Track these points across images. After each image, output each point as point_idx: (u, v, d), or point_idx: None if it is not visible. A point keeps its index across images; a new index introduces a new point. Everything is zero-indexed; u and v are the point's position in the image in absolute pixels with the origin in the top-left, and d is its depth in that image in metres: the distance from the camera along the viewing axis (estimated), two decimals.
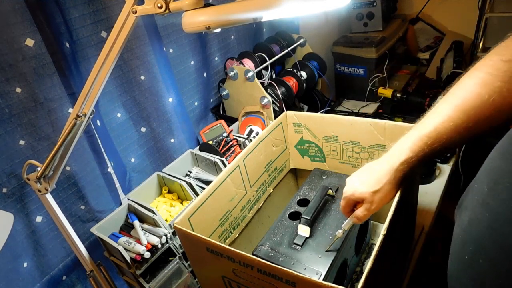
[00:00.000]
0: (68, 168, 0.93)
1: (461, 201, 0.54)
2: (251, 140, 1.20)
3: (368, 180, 0.64)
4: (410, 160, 0.58)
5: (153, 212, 0.93)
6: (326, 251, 0.74)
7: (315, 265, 0.72)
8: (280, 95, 1.33)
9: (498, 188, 0.44)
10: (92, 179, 0.99)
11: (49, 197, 0.81)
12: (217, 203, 0.83)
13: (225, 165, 1.07)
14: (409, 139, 0.58)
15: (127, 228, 0.96)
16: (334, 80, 1.93)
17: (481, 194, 0.47)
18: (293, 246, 0.77)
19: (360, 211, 0.66)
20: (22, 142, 0.83)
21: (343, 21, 1.97)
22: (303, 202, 0.90)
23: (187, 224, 0.75)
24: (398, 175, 0.61)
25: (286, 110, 1.04)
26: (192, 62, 1.29)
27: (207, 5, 0.57)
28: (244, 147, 1.02)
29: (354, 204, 0.69)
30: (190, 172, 1.14)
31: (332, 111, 1.74)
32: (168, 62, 1.14)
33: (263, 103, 1.28)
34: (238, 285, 0.70)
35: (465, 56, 1.93)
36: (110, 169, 1.03)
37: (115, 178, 1.07)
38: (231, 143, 1.19)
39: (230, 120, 1.35)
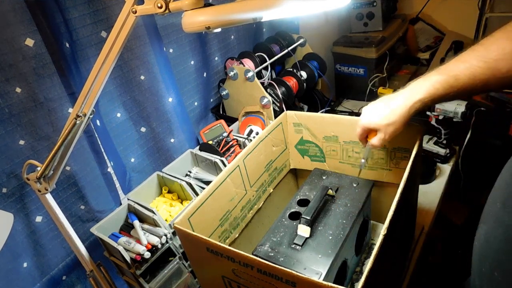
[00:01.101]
0: (68, 168, 0.93)
1: (481, 216, 0.56)
2: (251, 140, 1.20)
3: (384, 112, 0.68)
4: (424, 100, 0.63)
5: (153, 212, 0.93)
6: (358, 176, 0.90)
7: (315, 265, 0.72)
8: (280, 95, 1.33)
9: (510, 204, 0.46)
10: (92, 179, 0.99)
11: (49, 197, 0.81)
12: (217, 203, 0.83)
13: (225, 165, 1.07)
14: (429, 80, 0.62)
15: (127, 228, 0.96)
16: (334, 80, 1.93)
17: (495, 210, 0.49)
18: (293, 246, 0.77)
19: (375, 140, 0.72)
20: (22, 142, 0.83)
21: (343, 21, 1.97)
22: (303, 202, 0.90)
23: (187, 224, 0.75)
24: (411, 111, 0.65)
25: (286, 110, 1.04)
26: (192, 62, 1.29)
27: (207, 5, 0.57)
28: (244, 147, 1.02)
29: (368, 131, 0.75)
30: (190, 172, 1.14)
31: (332, 111, 1.74)
32: (168, 62, 1.14)
33: (263, 103, 1.28)
34: (238, 285, 0.70)
35: None
36: (110, 169, 1.03)
37: (115, 178, 1.07)
38: (231, 143, 1.19)
39: (230, 120, 1.35)
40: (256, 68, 1.35)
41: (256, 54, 1.40)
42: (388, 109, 0.67)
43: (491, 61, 0.53)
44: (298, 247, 0.77)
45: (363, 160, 0.85)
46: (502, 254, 0.46)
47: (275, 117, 1.24)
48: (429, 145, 1.35)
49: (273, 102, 1.31)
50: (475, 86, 0.56)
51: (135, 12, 0.60)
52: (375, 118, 0.70)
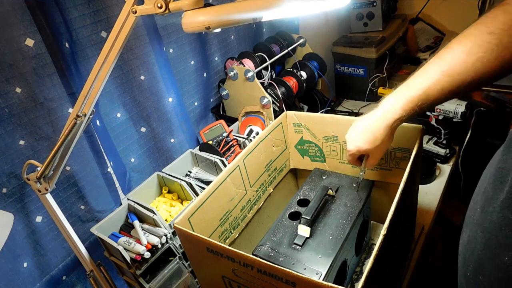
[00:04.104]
0: (68, 168, 0.93)
1: (464, 220, 0.57)
2: (251, 140, 1.20)
3: (368, 138, 0.72)
4: (402, 118, 0.67)
5: (153, 212, 0.93)
6: (357, 191, 0.89)
7: (315, 265, 0.72)
8: (280, 95, 1.33)
9: (489, 210, 0.47)
10: (92, 179, 0.99)
11: (49, 197, 0.81)
12: (217, 203, 0.83)
13: (225, 165, 1.07)
14: (400, 98, 0.66)
15: (127, 228, 0.96)
16: (334, 80, 1.93)
17: (476, 215, 0.51)
18: (293, 246, 0.77)
19: (371, 161, 0.79)
20: (22, 142, 0.83)
21: (343, 21, 1.97)
22: (303, 202, 0.90)
23: (187, 224, 0.75)
24: (392, 130, 0.71)
25: (286, 110, 1.04)
26: (192, 62, 1.29)
27: (207, 5, 0.57)
28: (244, 147, 1.02)
29: (359, 156, 0.81)
30: (190, 172, 1.14)
31: (332, 111, 1.74)
32: (168, 62, 1.14)
33: (263, 103, 1.28)
34: (238, 285, 0.70)
35: None
36: (110, 169, 1.03)
37: (115, 178, 1.07)
38: (231, 143, 1.19)
39: (230, 120, 1.35)
40: (256, 68, 1.35)
41: (256, 54, 1.40)
42: (371, 134, 0.71)
43: (454, 74, 0.56)
44: (298, 247, 0.77)
45: (361, 173, 0.88)
46: (484, 258, 0.47)
47: (275, 117, 1.24)
48: (429, 145, 1.35)
49: (273, 102, 1.31)
50: (447, 95, 0.60)
51: (135, 12, 0.60)
52: (362, 144, 0.74)
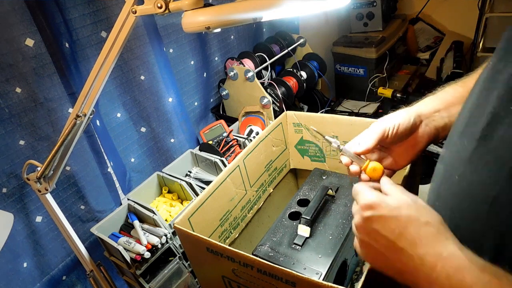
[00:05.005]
0: (68, 168, 0.93)
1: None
2: (251, 140, 1.20)
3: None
4: None
5: (153, 212, 0.93)
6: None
7: (315, 265, 0.72)
8: (280, 95, 1.33)
9: (450, 143, 0.46)
10: (92, 179, 0.99)
11: (49, 197, 0.81)
12: (217, 203, 0.83)
13: (225, 165, 1.07)
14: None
15: (127, 228, 0.96)
16: (334, 80, 1.93)
17: (442, 151, 0.49)
18: (293, 246, 0.77)
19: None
20: (22, 142, 0.83)
21: (343, 21, 1.97)
22: (303, 202, 0.90)
23: (187, 224, 0.75)
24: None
25: (286, 110, 1.04)
26: (192, 62, 1.29)
27: (207, 5, 0.57)
28: (244, 147, 1.02)
29: None
30: (190, 172, 1.14)
31: (332, 111, 1.74)
32: (168, 62, 1.14)
33: (263, 103, 1.28)
34: (238, 285, 0.70)
35: (465, 56, 1.93)
36: (110, 169, 1.03)
37: (115, 178, 1.07)
38: (231, 143, 1.19)
39: (230, 120, 1.35)
40: (256, 68, 1.35)
41: (256, 54, 1.40)
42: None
43: None
44: (298, 247, 0.77)
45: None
46: (441, 187, 0.46)
47: (275, 117, 1.24)
48: (429, 145, 1.35)
49: (273, 102, 1.31)
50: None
51: (135, 12, 0.60)
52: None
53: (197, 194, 1.02)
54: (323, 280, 0.67)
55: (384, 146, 0.59)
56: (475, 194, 0.37)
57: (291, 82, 1.41)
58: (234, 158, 0.91)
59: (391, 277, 0.43)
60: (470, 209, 0.38)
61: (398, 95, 1.65)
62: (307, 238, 0.78)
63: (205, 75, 1.36)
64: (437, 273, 0.36)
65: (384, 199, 0.44)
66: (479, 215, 0.37)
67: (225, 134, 1.21)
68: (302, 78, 1.45)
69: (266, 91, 1.29)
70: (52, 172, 0.78)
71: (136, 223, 0.93)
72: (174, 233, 0.92)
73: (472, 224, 0.37)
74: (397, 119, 0.56)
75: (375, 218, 0.43)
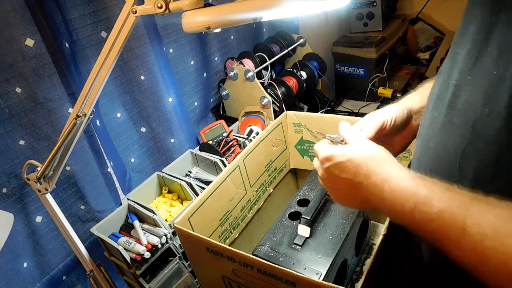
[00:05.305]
0: (68, 168, 0.93)
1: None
2: (251, 140, 1.20)
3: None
4: None
5: (153, 212, 0.93)
6: None
7: (315, 265, 0.72)
8: (280, 95, 1.33)
9: (424, 119, 0.52)
10: (92, 179, 0.99)
11: (49, 197, 0.81)
12: (217, 203, 0.83)
13: (225, 165, 1.07)
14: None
15: (127, 228, 0.96)
16: (334, 80, 1.93)
17: (418, 129, 0.56)
18: (293, 246, 0.77)
19: None
20: (22, 142, 0.83)
21: (343, 21, 1.97)
22: (303, 202, 0.90)
23: (187, 224, 0.75)
24: None
25: (286, 110, 1.04)
26: (192, 62, 1.29)
27: (207, 5, 0.57)
28: (244, 147, 1.02)
29: None
30: (190, 172, 1.14)
31: (332, 111, 1.74)
32: (168, 62, 1.14)
33: (263, 103, 1.28)
34: (238, 285, 0.70)
35: None
36: (110, 169, 1.03)
37: (115, 178, 1.07)
38: (231, 143, 1.19)
39: (230, 120, 1.35)
40: (256, 68, 1.35)
41: (256, 54, 1.40)
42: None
43: None
44: (298, 247, 0.77)
45: None
46: (422, 154, 0.51)
47: (275, 117, 1.24)
48: None
49: (273, 102, 1.31)
50: None
51: (135, 12, 0.60)
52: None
53: (197, 194, 1.02)
54: (323, 280, 0.67)
55: (377, 138, 0.63)
56: (449, 152, 0.44)
57: (291, 82, 1.41)
58: (234, 158, 0.91)
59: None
60: (446, 166, 0.45)
61: (398, 95, 1.65)
62: (307, 238, 0.78)
63: (205, 75, 1.36)
64: (385, 191, 0.45)
65: (337, 148, 0.52)
66: (453, 169, 0.43)
67: (225, 134, 1.21)
68: (302, 78, 1.45)
69: (266, 91, 1.29)
70: (52, 172, 0.78)
71: (136, 223, 0.93)
72: (174, 233, 0.92)
73: (449, 178, 0.42)
74: (394, 112, 0.61)
75: (333, 166, 0.51)
